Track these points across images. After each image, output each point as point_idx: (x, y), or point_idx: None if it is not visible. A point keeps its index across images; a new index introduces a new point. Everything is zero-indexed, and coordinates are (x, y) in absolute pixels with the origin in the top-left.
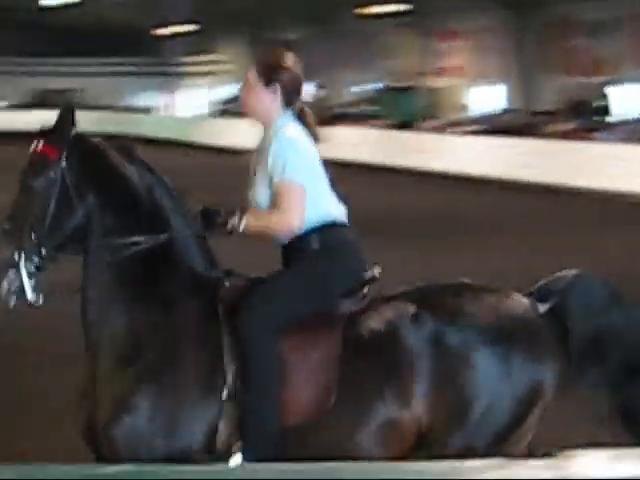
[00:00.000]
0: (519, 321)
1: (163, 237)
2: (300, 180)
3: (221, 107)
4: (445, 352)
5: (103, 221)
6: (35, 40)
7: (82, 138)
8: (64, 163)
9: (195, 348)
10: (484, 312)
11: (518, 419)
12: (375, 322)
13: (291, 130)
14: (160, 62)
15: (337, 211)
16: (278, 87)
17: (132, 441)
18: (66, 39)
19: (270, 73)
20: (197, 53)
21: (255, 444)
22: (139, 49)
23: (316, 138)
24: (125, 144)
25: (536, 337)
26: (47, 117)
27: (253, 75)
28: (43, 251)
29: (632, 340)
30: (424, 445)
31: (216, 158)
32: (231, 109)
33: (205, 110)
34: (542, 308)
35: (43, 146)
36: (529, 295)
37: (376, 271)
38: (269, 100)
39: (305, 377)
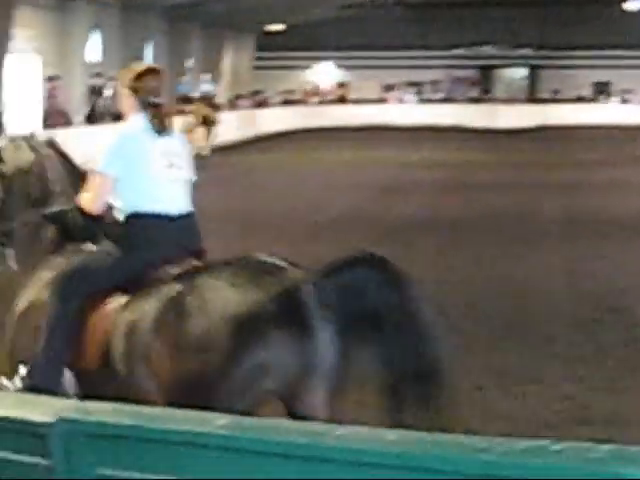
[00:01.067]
0: (255, 302)
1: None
2: (108, 171)
3: None
4: (179, 319)
5: (8, 205)
6: None
7: None
8: None
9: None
10: (229, 289)
11: (236, 388)
12: (149, 297)
13: (125, 128)
14: None
15: (157, 203)
16: (130, 93)
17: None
18: None
19: (125, 82)
20: None
21: (35, 375)
22: None
23: (160, 131)
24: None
25: (267, 317)
26: None
27: (118, 82)
28: None
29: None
30: None
31: None
32: None
33: None
34: (307, 288)
35: None
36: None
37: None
38: (124, 102)
39: (88, 330)
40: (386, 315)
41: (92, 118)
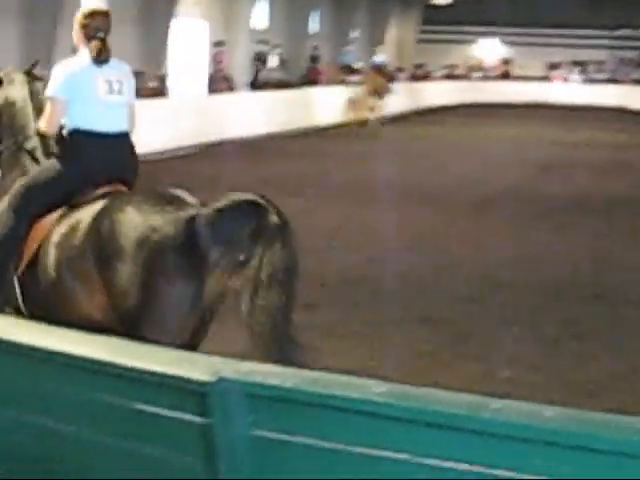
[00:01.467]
0: (154, 227)
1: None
2: (58, 95)
3: None
4: (101, 246)
5: None
6: None
7: None
8: None
9: None
10: (134, 213)
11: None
12: (77, 213)
13: (74, 60)
14: None
15: (97, 122)
16: (80, 29)
17: None
18: None
19: (77, 20)
20: None
21: None
22: None
23: (100, 61)
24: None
25: (164, 242)
26: None
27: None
28: None
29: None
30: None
31: None
32: None
33: None
34: (202, 220)
35: None
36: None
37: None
38: (75, 36)
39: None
40: (261, 260)
41: (256, 85)
